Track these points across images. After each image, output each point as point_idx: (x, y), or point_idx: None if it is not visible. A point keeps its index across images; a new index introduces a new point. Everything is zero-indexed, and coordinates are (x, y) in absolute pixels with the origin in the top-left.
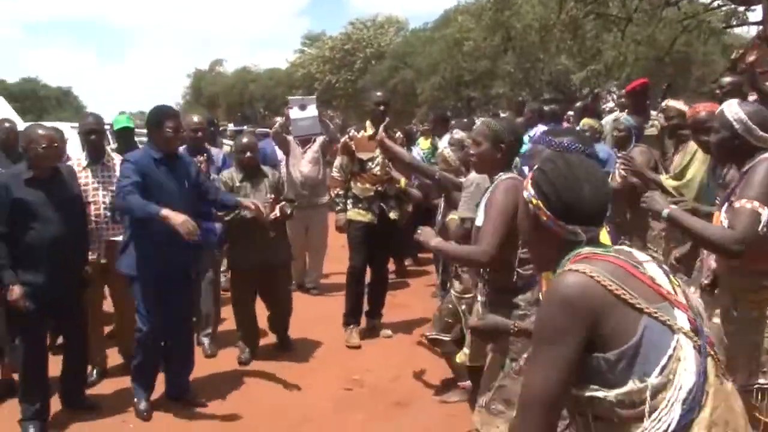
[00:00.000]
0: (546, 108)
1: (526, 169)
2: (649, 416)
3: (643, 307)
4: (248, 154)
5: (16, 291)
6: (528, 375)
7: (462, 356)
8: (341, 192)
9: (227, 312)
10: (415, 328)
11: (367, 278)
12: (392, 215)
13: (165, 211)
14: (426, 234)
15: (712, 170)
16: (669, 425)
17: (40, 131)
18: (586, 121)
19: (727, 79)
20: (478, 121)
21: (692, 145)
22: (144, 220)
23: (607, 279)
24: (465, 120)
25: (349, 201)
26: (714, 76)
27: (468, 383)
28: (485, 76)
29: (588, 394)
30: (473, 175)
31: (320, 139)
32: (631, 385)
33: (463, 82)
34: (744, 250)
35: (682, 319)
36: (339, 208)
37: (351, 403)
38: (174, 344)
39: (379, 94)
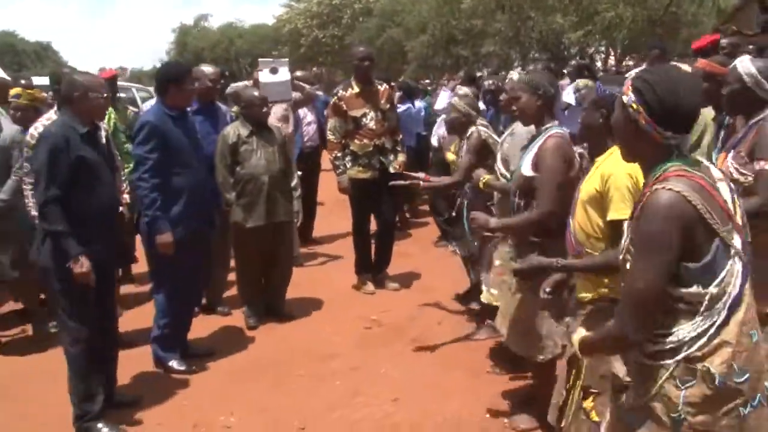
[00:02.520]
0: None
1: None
2: (701, 314)
3: (718, 230)
4: (263, 108)
5: (85, 264)
6: (635, 277)
7: (488, 296)
8: (339, 154)
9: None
10: (422, 276)
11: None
12: (391, 169)
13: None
14: (480, 219)
15: (719, 126)
16: (714, 323)
17: (95, 79)
18: (582, 82)
19: (725, 41)
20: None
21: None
22: (164, 187)
23: (696, 198)
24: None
25: (348, 160)
26: (701, 37)
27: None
28: (477, 34)
29: None
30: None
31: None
32: (695, 288)
33: (453, 40)
34: None
35: (737, 240)
36: (340, 170)
37: (373, 340)
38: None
39: (362, 49)
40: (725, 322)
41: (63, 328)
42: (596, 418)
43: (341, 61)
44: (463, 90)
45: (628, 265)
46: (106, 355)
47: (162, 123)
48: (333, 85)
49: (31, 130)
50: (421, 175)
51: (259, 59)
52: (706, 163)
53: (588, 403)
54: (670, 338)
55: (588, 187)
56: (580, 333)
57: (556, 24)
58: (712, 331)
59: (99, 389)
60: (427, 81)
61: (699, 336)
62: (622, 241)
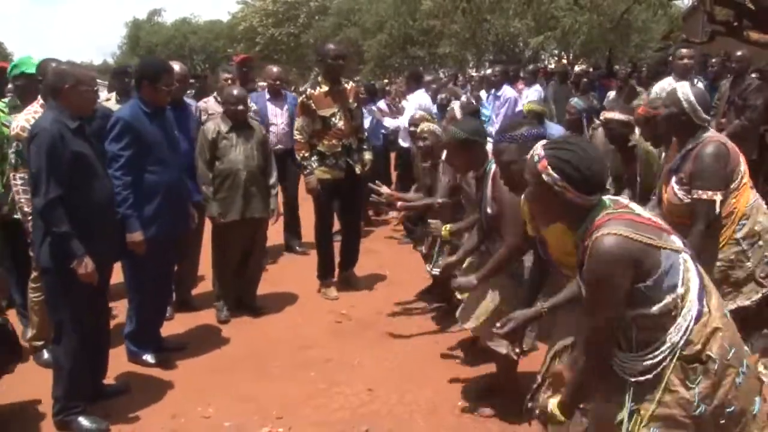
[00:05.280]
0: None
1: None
2: (680, 315)
3: (660, 245)
4: (240, 106)
5: (89, 264)
6: (592, 315)
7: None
8: (306, 154)
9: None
10: (388, 271)
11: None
12: (357, 170)
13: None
14: (464, 281)
15: None
16: (692, 316)
17: (86, 71)
18: (528, 107)
19: (685, 51)
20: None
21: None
22: (139, 184)
23: (634, 234)
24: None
25: (314, 160)
26: (651, 43)
27: None
28: (435, 35)
29: (635, 312)
30: None
31: None
32: (668, 299)
33: (410, 40)
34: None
35: (676, 240)
36: (308, 171)
37: (343, 333)
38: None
39: (333, 47)
40: (705, 311)
41: (58, 325)
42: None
43: (296, 59)
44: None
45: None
46: (97, 350)
47: (136, 120)
48: (287, 83)
49: (20, 122)
50: (385, 190)
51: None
52: (611, 197)
53: (558, 365)
54: (664, 347)
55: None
56: (553, 401)
57: (513, 28)
58: (692, 324)
59: (84, 385)
60: (386, 81)
61: (685, 332)
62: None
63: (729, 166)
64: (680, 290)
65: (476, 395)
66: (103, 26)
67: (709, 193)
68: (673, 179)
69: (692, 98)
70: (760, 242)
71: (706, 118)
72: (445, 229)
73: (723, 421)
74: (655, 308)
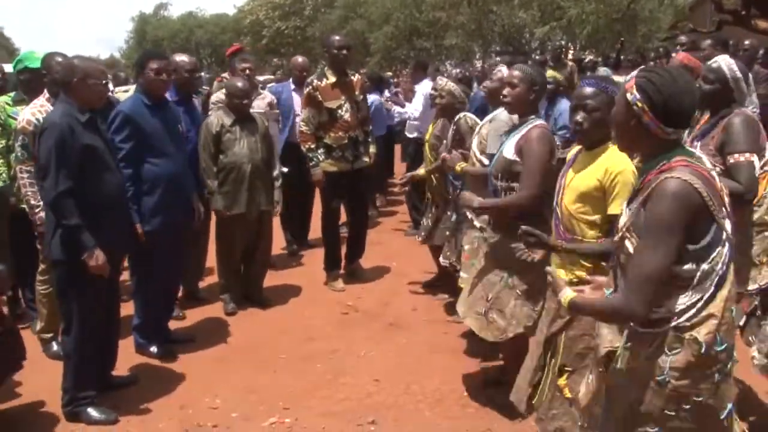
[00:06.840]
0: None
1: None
2: (692, 288)
3: (717, 217)
4: (245, 100)
5: (100, 257)
6: (644, 257)
7: (461, 280)
8: (312, 146)
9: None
10: (394, 263)
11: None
12: (365, 160)
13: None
14: (466, 196)
15: None
16: (702, 297)
17: (94, 64)
18: (549, 74)
19: (683, 38)
20: (506, 67)
21: None
22: (141, 176)
23: (702, 189)
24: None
25: (321, 152)
26: (658, 33)
27: None
28: (440, 27)
29: None
30: (504, 114)
31: None
32: (689, 266)
33: (417, 32)
34: (754, 193)
35: (728, 226)
36: (313, 163)
37: (350, 324)
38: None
39: (338, 37)
40: (712, 297)
41: (68, 317)
42: (569, 395)
43: (303, 52)
44: (443, 80)
45: (628, 247)
46: (107, 342)
47: (136, 112)
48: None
49: (26, 115)
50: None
51: None
52: (698, 153)
53: (562, 381)
54: (663, 309)
55: (587, 179)
56: (568, 293)
57: (519, 18)
58: (700, 304)
59: (93, 376)
60: (390, 73)
61: (689, 308)
62: (619, 225)
63: (760, 139)
64: (705, 266)
65: (483, 385)
66: (109, 20)
67: (746, 155)
68: (697, 144)
69: (739, 74)
70: (766, 233)
71: (746, 91)
72: (460, 165)
73: (686, 407)
74: (676, 269)
